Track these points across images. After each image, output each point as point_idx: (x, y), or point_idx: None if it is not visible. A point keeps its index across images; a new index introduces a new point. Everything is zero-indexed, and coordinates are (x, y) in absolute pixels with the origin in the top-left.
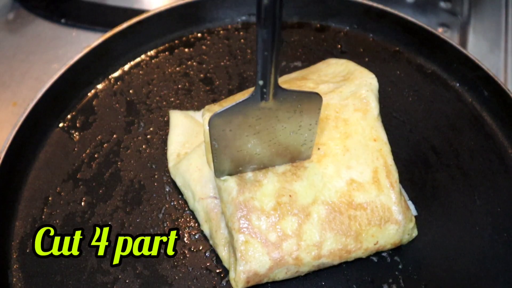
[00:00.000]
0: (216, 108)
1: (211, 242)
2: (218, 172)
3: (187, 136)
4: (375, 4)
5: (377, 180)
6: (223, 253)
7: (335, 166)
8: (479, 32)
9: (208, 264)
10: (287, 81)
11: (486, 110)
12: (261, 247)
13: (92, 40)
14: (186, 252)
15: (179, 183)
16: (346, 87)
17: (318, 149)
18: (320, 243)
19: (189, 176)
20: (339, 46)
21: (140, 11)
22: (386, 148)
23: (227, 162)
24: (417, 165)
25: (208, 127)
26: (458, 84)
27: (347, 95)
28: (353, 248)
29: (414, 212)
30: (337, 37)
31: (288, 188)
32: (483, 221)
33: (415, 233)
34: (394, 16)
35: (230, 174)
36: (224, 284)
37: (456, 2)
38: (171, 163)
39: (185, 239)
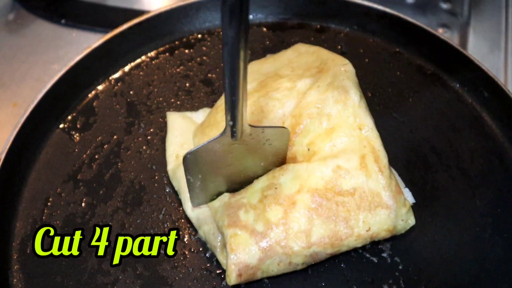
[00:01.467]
0: (199, 131)
1: (208, 246)
2: (195, 203)
3: (185, 137)
4: (375, 5)
5: (365, 165)
6: (219, 254)
7: (321, 158)
8: (479, 32)
9: (208, 265)
10: (262, 81)
11: (486, 111)
12: (249, 238)
13: (92, 41)
14: (186, 252)
15: (175, 187)
16: (323, 80)
17: (308, 149)
18: (309, 230)
19: (184, 183)
20: (339, 47)
21: (140, 12)
22: (373, 134)
23: (202, 193)
24: (417, 166)
25: (184, 165)
26: (458, 85)
27: (325, 88)
28: (344, 235)
29: (411, 199)
30: (337, 38)
31: (274, 182)
32: (483, 221)
33: (411, 220)
34: (394, 17)
35: (206, 203)
36: (224, 285)
37: (456, 2)
38: (170, 165)
39: (185, 239)
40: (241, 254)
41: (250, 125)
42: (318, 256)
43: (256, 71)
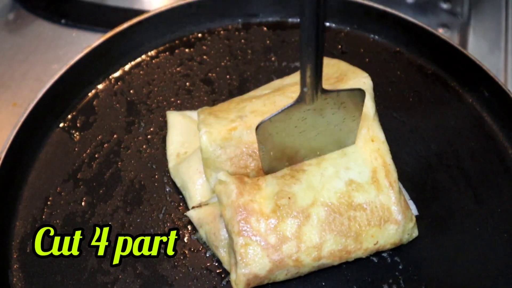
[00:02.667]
0: (211, 118)
1: (209, 245)
2: (268, 171)
3: (185, 135)
4: (375, 5)
5: (376, 180)
6: (223, 254)
7: (334, 168)
8: (479, 32)
9: (208, 264)
10: (281, 88)
11: (486, 111)
12: (261, 250)
13: (92, 40)
14: (186, 252)
15: (178, 184)
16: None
17: (318, 153)
18: (320, 245)
19: (188, 178)
20: (340, 46)
21: (140, 12)
22: (384, 148)
23: (274, 161)
24: (417, 166)
25: (257, 136)
26: (458, 85)
27: None
28: (353, 249)
29: (414, 211)
30: (338, 37)
31: (287, 190)
32: (483, 221)
33: (415, 233)
34: (394, 16)
35: (278, 170)
36: (225, 284)
37: (456, 2)
38: (171, 163)
39: (185, 239)
40: (252, 265)
41: (325, 89)
42: (324, 266)
43: (276, 83)
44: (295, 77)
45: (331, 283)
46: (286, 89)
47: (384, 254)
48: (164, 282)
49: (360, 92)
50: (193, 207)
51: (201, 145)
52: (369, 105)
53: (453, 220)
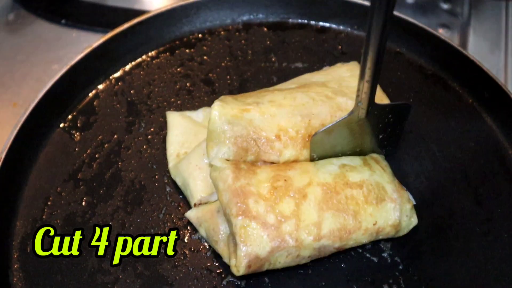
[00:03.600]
0: (229, 98)
1: (209, 242)
2: None
3: (185, 136)
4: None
5: (368, 164)
6: (222, 247)
7: (325, 160)
8: (479, 33)
9: (208, 264)
10: (307, 85)
11: (487, 111)
12: (261, 230)
13: (92, 40)
14: (187, 252)
15: (179, 182)
16: None
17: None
18: (319, 223)
19: (188, 174)
20: (340, 47)
21: (140, 12)
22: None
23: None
24: (417, 166)
25: (311, 144)
26: (458, 85)
27: None
28: (353, 228)
29: (411, 200)
30: (338, 38)
31: (282, 174)
32: (483, 222)
33: (414, 218)
34: (395, 17)
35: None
36: (225, 284)
37: (457, 2)
38: (171, 163)
39: (185, 239)
40: (252, 245)
41: (376, 104)
42: (325, 250)
43: (305, 78)
44: (325, 76)
45: (331, 282)
46: (312, 88)
47: (384, 254)
48: (164, 282)
49: (406, 106)
50: (194, 204)
51: (210, 116)
52: None
53: (453, 220)
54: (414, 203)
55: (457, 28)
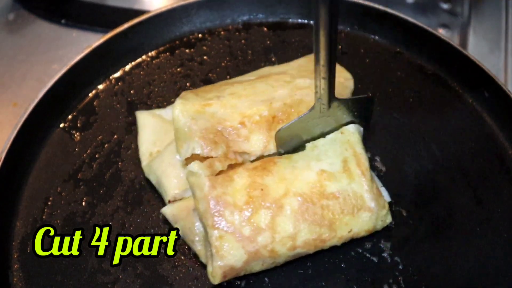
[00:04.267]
0: (190, 95)
1: (185, 240)
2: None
3: (156, 134)
4: (375, 5)
5: (348, 169)
6: (199, 247)
7: (304, 161)
8: (479, 32)
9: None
10: (266, 75)
11: (487, 111)
12: (236, 242)
13: (92, 40)
14: (187, 252)
15: (153, 181)
16: None
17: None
18: (294, 234)
19: (161, 172)
20: (340, 46)
21: (140, 12)
22: (354, 138)
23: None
24: (417, 166)
25: (276, 140)
26: (458, 85)
27: None
28: (328, 237)
29: (387, 198)
30: (338, 38)
31: (259, 182)
32: (483, 221)
33: (388, 219)
34: (394, 17)
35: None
36: (225, 285)
37: (457, 2)
38: (144, 163)
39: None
40: (227, 258)
41: (337, 98)
42: (299, 255)
43: (264, 70)
44: (284, 66)
45: (331, 282)
46: (271, 77)
47: (384, 254)
48: (164, 282)
49: (370, 99)
50: (169, 201)
51: (173, 115)
52: None
53: (453, 220)
54: (389, 200)
55: (457, 28)
